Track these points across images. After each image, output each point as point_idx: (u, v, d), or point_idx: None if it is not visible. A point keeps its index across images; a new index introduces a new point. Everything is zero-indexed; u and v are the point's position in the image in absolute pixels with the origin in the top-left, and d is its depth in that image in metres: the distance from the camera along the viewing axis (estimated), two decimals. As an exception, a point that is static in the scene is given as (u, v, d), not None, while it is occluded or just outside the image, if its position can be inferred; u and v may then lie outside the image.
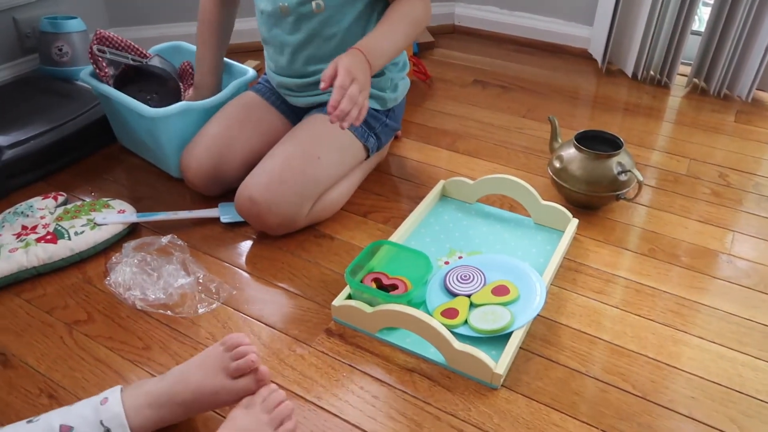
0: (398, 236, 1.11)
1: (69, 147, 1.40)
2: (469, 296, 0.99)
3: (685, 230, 1.20)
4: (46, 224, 1.14)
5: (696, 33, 1.77)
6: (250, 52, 1.95)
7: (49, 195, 1.23)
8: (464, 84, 1.83)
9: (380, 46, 1.06)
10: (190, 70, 1.47)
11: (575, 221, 1.15)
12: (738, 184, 1.34)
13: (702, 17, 1.96)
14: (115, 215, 1.17)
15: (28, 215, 1.16)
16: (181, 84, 1.43)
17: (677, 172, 1.39)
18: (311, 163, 1.14)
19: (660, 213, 1.25)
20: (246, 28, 1.62)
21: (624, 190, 1.19)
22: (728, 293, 1.04)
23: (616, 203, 1.25)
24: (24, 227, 1.14)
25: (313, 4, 1.12)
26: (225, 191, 1.26)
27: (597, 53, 1.92)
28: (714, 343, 0.95)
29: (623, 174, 1.18)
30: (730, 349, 0.93)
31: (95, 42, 1.35)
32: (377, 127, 1.26)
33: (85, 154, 1.45)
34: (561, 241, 1.11)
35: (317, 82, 1.21)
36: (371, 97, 1.23)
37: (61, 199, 1.24)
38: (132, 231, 1.19)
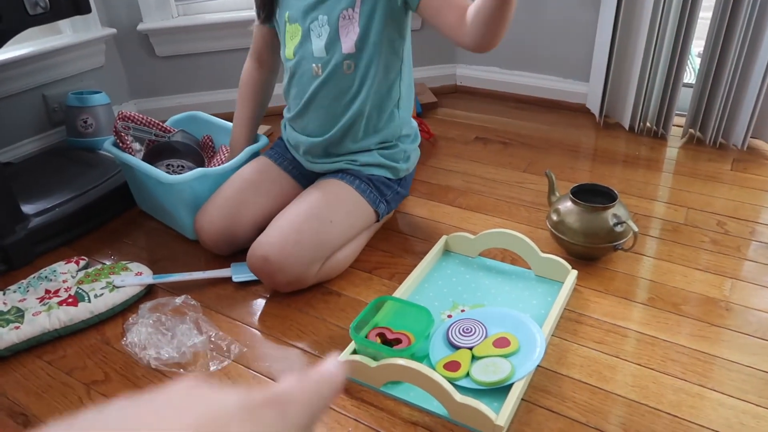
0: (402, 291, 1.15)
1: (92, 213, 1.49)
2: (471, 348, 1.02)
3: (684, 279, 1.22)
4: (68, 288, 1.20)
5: (688, 85, 1.84)
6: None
7: (71, 259, 1.30)
8: (467, 141, 1.90)
9: None
10: (210, 144, 1.57)
11: (574, 272, 1.18)
12: (736, 231, 1.37)
13: (696, 68, 2.03)
14: (133, 277, 1.23)
15: (51, 279, 1.23)
16: (204, 155, 1.52)
17: (676, 222, 1.42)
18: (324, 226, 1.19)
19: (659, 262, 1.28)
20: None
21: (621, 241, 1.23)
22: (728, 340, 1.06)
23: (614, 254, 1.28)
24: (47, 291, 1.20)
25: (345, 64, 1.19)
26: (237, 251, 1.32)
27: (594, 107, 1.99)
28: (715, 390, 0.96)
29: (619, 225, 1.22)
30: (731, 396, 0.94)
31: (119, 119, 1.45)
32: (388, 194, 1.32)
33: (107, 219, 1.53)
34: (560, 292, 1.14)
35: (339, 146, 1.28)
36: (385, 167, 1.30)
37: (82, 263, 1.30)
38: (149, 292, 1.25)
